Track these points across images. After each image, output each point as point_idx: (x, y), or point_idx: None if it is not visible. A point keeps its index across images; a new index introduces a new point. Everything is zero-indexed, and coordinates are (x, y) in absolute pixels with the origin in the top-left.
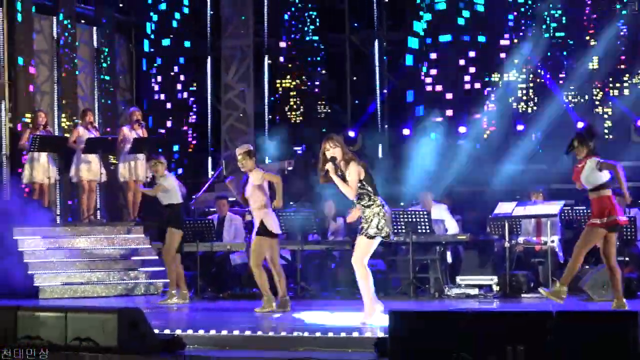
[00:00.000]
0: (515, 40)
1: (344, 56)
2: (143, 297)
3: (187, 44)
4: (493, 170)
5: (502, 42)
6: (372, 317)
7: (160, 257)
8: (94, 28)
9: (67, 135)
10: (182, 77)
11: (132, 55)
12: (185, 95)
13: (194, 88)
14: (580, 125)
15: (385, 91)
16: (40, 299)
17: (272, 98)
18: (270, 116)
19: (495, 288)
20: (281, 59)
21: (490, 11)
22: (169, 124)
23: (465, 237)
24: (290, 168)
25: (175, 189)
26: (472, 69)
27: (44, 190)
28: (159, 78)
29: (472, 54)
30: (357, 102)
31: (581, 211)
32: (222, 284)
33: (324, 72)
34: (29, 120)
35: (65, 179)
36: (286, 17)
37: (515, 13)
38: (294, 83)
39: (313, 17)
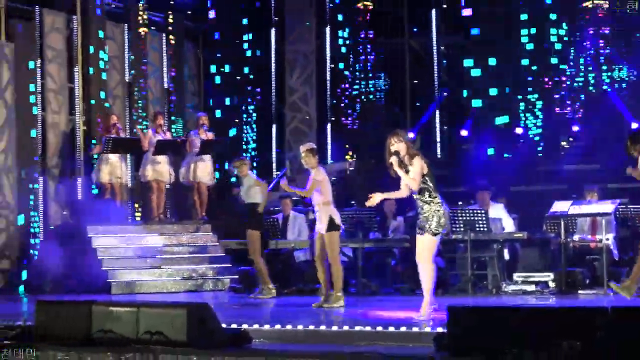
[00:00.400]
0: (568, 39)
1: (403, 60)
2: (211, 292)
3: (249, 52)
4: (548, 169)
5: (557, 46)
6: (426, 314)
7: (227, 254)
8: (163, 34)
9: (137, 136)
10: (247, 81)
11: (199, 60)
12: (250, 98)
13: (259, 91)
14: (634, 125)
15: (444, 94)
16: (112, 294)
17: (334, 101)
18: (332, 118)
19: (552, 285)
20: (342, 63)
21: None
22: (235, 125)
23: (522, 235)
24: (351, 168)
25: (256, 189)
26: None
27: (116, 189)
28: (226, 82)
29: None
30: (417, 104)
31: (636, 209)
32: (287, 280)
33: (383, 75)
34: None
35: (136, 179)
36: (346, 22)
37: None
38: (354, 86)
39: (373, 22)
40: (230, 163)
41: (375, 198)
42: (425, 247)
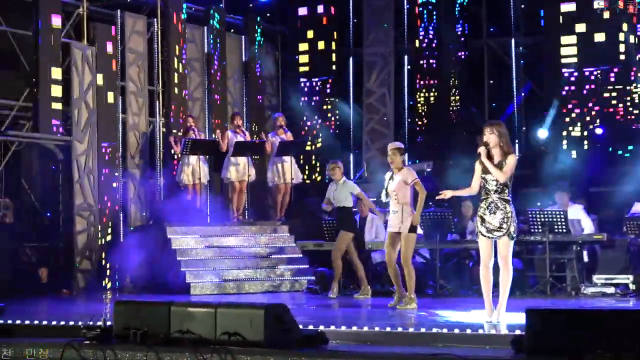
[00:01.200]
0: None
1: (481, 60)
2: (288, 293)
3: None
4: (628, 170)
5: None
6: (502, 315)
7: (304, 255)
8: (242, 37)
9: (215, 137)
10: (325, 82)
11: (278, 61)
12: (328, 99)
13: (336, 92)
14: None
15: (522, 94)
16: (191, 295)
17: (412, 102)
18: (409, 119)
19: (632, 287)
20: (420, 63)
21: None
22: (312, 127)
23: (601, 236)
24: (429, 169)
25: (348, 193)
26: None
27: (196, 191)
28: (304, 83)
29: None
30: (493, 105)
31: None
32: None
33: (461, 76)
34: (187, 124)
35: (216, 180)
36: (425, 23)
37: None
38: (432, 87)
39: (452, 24)
40: (326, 167)
41: (447, 194)
42: (505, 249)
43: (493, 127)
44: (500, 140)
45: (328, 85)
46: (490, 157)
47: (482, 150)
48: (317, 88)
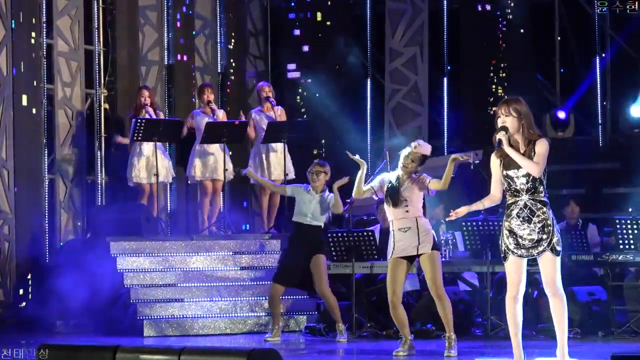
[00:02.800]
0: None
1: (550, 7)
2: (281, 335)
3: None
4: None
5: None
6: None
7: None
8: None
9: (182, 119)
10: (333, 41)
11: (266, 11)
12: (337, 65)
13: (348, 54)
14: None
15: (606, 56)
16: (145, 336)
17: (451, 67)
18: (450, 91)
19: None
20: (464, 14)
21: None
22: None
23: None
24: (477, 161)
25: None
26: None
27: (152, 192)
28: (301, 42)
29: None
30: (565, 70)
31: None
32: (386, 317)
33: (523, 30)
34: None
35: (181, 178)
36: None
37: None
38: (484, 45)
39: None
40: (308, 168)
41: (459, 212)
42: (555, 269)
43: (510, 105)
44: (522, 123)
45: (336, 44)
46: (515, 147)
47: (502, 136)
48: (321, 48)
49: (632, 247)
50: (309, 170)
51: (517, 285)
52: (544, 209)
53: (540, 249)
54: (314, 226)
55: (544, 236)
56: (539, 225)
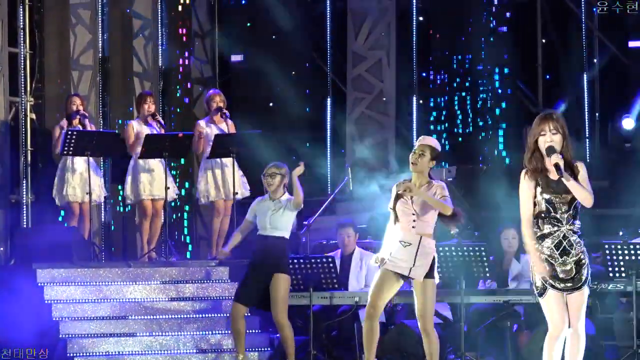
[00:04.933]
0: None
1: (533, 8)
2: None
3: None
4: None
5: None
6: None
7: (253, 313)
8: None
9: (117, 131)
10: (285, 42)
11: (213, 7)
12: (292, 70)
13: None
14: None
15: (594, 60)
16: None
17: (424, 73)
18: (420, 100)
19: None
20: (436, 14)
21: None
22: (269, 111)
23: None
24: (450, 178)
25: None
26: None
27: (83, 213)
28: (252, 42)
29: None
30: (547, 77)
31: None
32: (348, 354)
33: (504, 31)
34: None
35: (115, 197)
36: None
37: None
38: (456, 49)
39: None
40: (263, 172)
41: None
42: (581, 306)
43: (558, 121)
44: (565, 142)
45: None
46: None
47: (557, 159)
48: (276, 50)
49: (623, 274)
50: (264, 172)
51: (560, 323)
52: (581, 242)
53: (579, 284)
54: (275, 237)
55: (584, 270)
56: (576, 258)
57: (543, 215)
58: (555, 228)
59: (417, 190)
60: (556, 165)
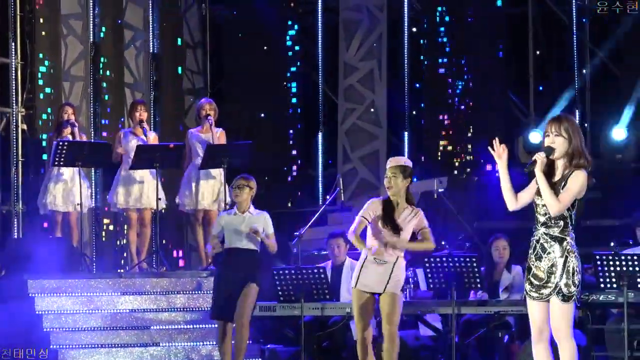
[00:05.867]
0: None
1: (524, 19)
2: None
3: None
4: None
5: None
6: None
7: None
8: None
9: (109, 142)
10: (280, 53)
11: (205, 19)
12: (285, 81)
13: (296, 69)
14: None
15: (585, 71)
16: None
17: (417, 85)
18: (413, 111)
19: None
20: (429, 25)
21: None
22: (259, 122)
23: None
24: (441, 190)
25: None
26: None
27: (72, 223)
28: (245, 54)
29: None
30: (540, 87)
31: None
32: None
33: (493, 42)
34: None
35: (105, 207)
36: None
37: None
38: (450, 61)
39: None
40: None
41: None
42: (562, 316)
43: (562, 123)
44: (572, 147)
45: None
46: (551, 171)
47: (538, 156)
48: (267, 62)
49: (615, 286)
50: (232, 184)
51: (537, 329)
52: (557, 246)
53: (546, 291)
54: (248, 250)
55: (552, 278)
56: (548, 264)
57: (534, 214)
58: (534, 230)
59: (400, 242)
60: (532, 161)
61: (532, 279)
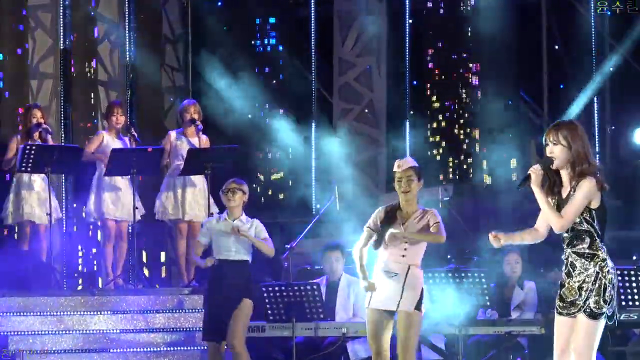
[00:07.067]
0: None
1: (537, 10)
2: None
3: None
4: None
5: None
6: None
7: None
8: None
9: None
10: (270, 49)
11: (186, 9)
12: (274, 79)
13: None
14: None
15: (610, 69)
16: None
17: (416, 82)
18: (412, 111)
19: None
20: (432, 17)
21: None
22: (247, 124)
23: None
24: (446, 198)
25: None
26: None
27: (40, 235)
28: (231, 50)
29: None
30: (561, 86)
31: None
32: None
33: (502, 38)
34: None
35: (76, 218)
36: None
37: None
38: (452, 56)
39: None
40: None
41: (501, 239)
42: (581, 335)
43: (560, 131)
44: (573, 154)
45: (273, 53)
46: (554, 183)
47: (534, 170)
48: (256, 58)
49: (637, 303)
50: (223, 188)
51: (560, 346)
52: (585, 263)
53: (573, 309)
54: (240, 262)
55: (579, 297)
56: (575, 282)
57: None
58: (563, 250)
59: (408, 234)
60: (526, 176)
61: (562, 295)
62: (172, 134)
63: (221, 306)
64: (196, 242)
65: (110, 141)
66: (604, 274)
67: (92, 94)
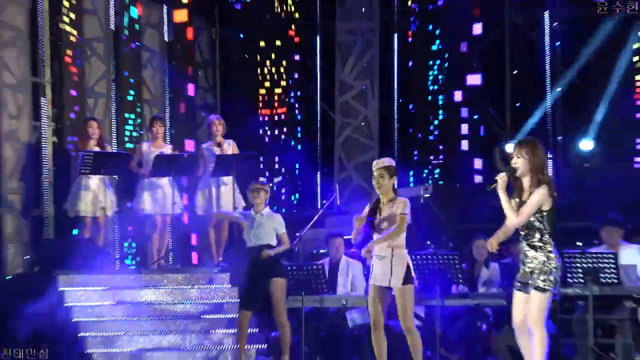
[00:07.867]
0: None
1: (501, 41)
2: None
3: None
4: None
5: None
6: None
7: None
8: (164, 7)
9: (129, 152)
10: (282, 72)
11: (214, 43)
12: (287, 99)
13: (296, 86)
14: None
15: (560, 89)
16: None
17: (402, 99)
18: (400, 125)
19: None
20: (416, 44)
21: None
22: (263, 136)
23: None
24: (427, 195)
25: (273, 229)
26: None
27: (99, 226)
28: (251, 74)
29: None
30: (517, 104)
31: None
32: (337, 352)
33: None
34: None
35: (125, 211)
36: None
37: None
38: (437, 82)
39: None
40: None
41: (493, 244)
42: (533, 307)
43: (522, 148)
44: (531, 166)
45: (285, 76)
46: (521, 189)
47: (499, 178)
48: (270, 78)
49: (579, 280)
50: (249, 189)
51: (515, 316)
52: (534, 254)
53: (525, 288)
54: (262, 246)
55: (529, 280)
56: (527, 268)
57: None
58: (520, 242)
59: (373, 244)
60: (494, 181)
61: (519, 276)
62: (203, 147)
63: (252, 284)
64: (242, 222)
65: (148, 149)
66: (549, 261)
67: (139, 110)
